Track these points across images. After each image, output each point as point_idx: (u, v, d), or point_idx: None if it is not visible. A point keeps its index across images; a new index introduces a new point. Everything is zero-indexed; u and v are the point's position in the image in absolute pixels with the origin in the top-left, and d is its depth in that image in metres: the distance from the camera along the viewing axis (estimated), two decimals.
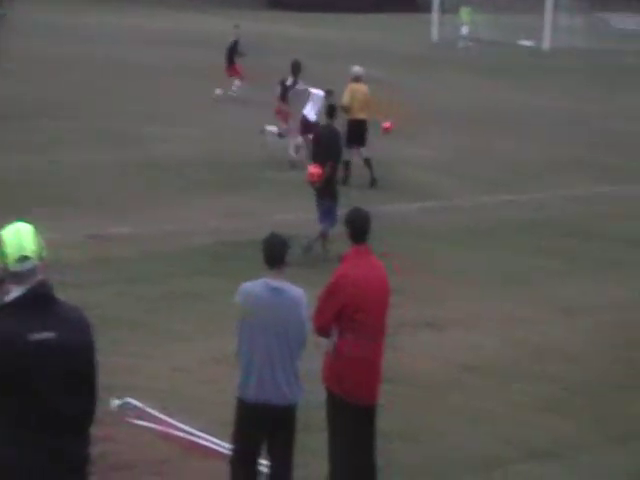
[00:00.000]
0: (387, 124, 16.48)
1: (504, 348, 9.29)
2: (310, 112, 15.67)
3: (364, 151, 15.52)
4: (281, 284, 5.82)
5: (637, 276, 11.52)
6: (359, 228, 6.25)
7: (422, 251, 12.45)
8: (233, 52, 22.63)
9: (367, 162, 15.47)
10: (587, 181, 16.76)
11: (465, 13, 37.68)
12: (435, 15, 40.43)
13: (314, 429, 6.71)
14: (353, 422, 6.19)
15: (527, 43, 38.84)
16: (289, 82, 16.60)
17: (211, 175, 16.15)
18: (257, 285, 5.86)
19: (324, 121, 12.64)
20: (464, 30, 37.64)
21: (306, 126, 15.37)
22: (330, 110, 12.40)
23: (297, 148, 16.15)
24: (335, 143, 11.89)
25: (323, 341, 6.30)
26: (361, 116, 15.28)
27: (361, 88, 15.33)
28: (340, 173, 12.93)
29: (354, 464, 6.20)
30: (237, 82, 22.66)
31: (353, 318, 6.07)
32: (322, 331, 6.18)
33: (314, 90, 15.81)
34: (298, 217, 13.87)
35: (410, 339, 9.41)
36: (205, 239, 12.44)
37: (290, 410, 5.89)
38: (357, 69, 15.73)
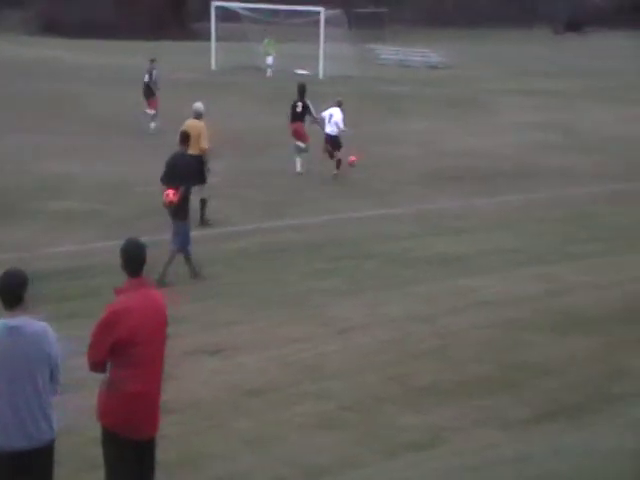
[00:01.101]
0: (352, 157, 19.03)
1: (284, 370, 9.46)
2: (335, 129, 19.29)
3: (200, 190, 14.86)
4: (20, 322, 5.60)
5: (412, 294, 12.06)
6: (134, 260, 6.10)
7: (207, 278, 12.50)
8: (151, 85, 24.33)
9: (202, 202, 15.10)
10: (359, 204, 17.41)
11: (269, 44, 39.16)
12: (213, 44, 40.81)
13: (95, 466, 6.54)
14: (131, 457, 6.06)
15: (303, 72, 40.06)
16: (299, 107, 19.52)
17: None
18: None
19: (178, 147, 12.88)
20: (269, 60, 39.03)
21: (333, 141, 19.28)
22: (183, 137, 12.90)
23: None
24: (187, 167, 12.65)
25: (95, 376, 6.15)
26: (195, 153, 14.46)
27: (196, 124, 14.93)
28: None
29: None
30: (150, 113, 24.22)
31: (128, 352, 5.95)
32: (96, 366, 6.03)
33: (328, 112, 19.51)
34: (70, 249, 13.55)
35: (193, 367, 9.42)
36: None
37: (41, 451, 5.64)
38: (197, 105, 15.52)
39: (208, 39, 41.75)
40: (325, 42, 39.20)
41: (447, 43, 53.77)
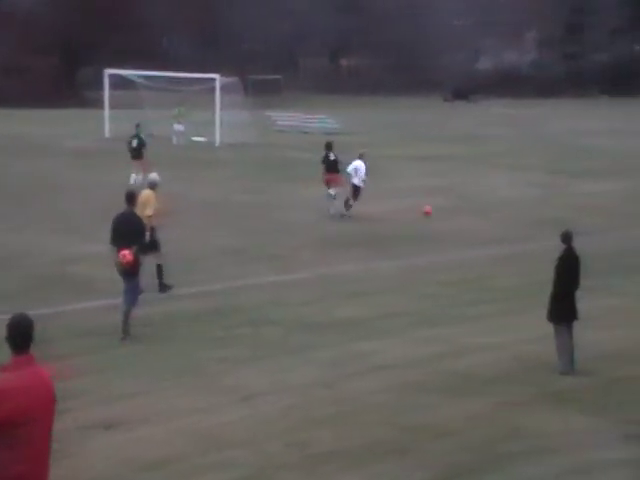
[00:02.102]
0: (428, 208, 23.07)
1: (185, 441, 9.32)
2: (358, 180, 23.26)
3: (155, 257, 15.11)
4: None
5: (313, 359, 12.10)
6: (21, 335, 5.79)
7: (99, 350, 12.26)
8: (142, 147, 27.09)
9: (158, 267, 15.30)
10: (259, 270, 17.46)
11: (181, 113, 39.62)
12: (106, 111, 40.63)
13: None
14: None
15: (200, 139, 40.21)
16: (332, 157, 23.17)
17: None
18: None
19: (126, 208, 13.07)
20: (179, 127, 39.32)
21: (355, 190, 23.31)
22: (129, 197, 13.11)
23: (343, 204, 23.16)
24: (135, 226, 12.77)
25: None
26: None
27: (144, 193, 15.21)
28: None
29: None
30: (140, 174, 25.16)
31: (12, 433, 5.64)
32: None
33: (353, 165, 23.31)
34: None
35: (90, 443, 9.19)
36: None
37: None
38: (151, 176, 15.91)
39: (102, 107, 41.55)
40: (222, 109, 39.49)
41: (343, 109, 54.96)
